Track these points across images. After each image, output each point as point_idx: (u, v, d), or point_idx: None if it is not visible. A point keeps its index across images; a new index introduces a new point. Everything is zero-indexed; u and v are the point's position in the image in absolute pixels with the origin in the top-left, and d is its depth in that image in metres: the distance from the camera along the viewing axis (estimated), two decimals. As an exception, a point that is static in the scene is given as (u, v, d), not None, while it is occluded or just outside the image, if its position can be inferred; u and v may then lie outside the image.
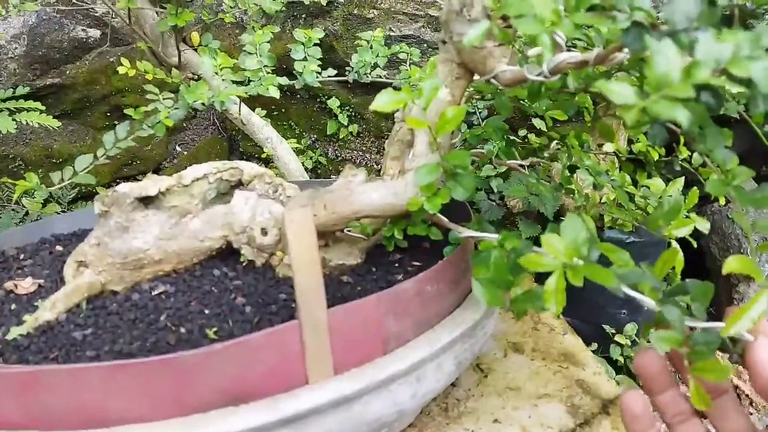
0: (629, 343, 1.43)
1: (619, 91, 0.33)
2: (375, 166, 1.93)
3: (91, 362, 0.50)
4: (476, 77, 0.60)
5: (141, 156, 2.09)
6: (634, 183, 0.83)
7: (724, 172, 0.44)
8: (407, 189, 0.57)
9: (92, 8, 1.88)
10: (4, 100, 1.18)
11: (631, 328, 1.45)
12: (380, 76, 1.06)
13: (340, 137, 1.97)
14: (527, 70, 0.50)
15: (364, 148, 1.96)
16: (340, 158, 1.99)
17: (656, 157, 0.75)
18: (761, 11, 0.42)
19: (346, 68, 1.08)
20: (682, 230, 0.65)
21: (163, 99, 0.86)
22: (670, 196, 0.74)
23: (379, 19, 1.76)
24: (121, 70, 1.29)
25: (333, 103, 1.92)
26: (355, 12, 1.78)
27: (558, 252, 0.39)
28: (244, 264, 0.66)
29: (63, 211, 1.93)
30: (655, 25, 0.38)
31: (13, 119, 1.05)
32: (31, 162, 1.92)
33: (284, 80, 0.92)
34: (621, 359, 1.45)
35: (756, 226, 0.41)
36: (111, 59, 1.92)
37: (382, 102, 0.47)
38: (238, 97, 0.87)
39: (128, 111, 0.83)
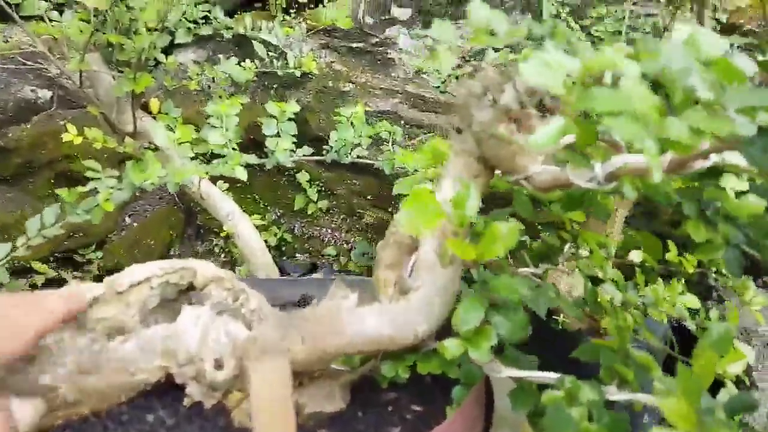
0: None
1: None
2: (345, 246, 1.80)
3: None
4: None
5: (84, 228, 1.90)
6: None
7: None
8: (408, 316, 0.44)
9: (45, 68, 1.75)
10: None
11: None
12: (359, 156, 0.95)
13: (308, 213, 1.84)
14: (572, 173, 0.39)
15: (333, 226, 1.83)
16: (307, 235, 1.85)
17: (690, 270, 0.65)
18: None
19: (323, 146, 0.96)
20: (735, 366, 0.53)
21: (105, 177, 0.72)
22: (708, 318, 0.63)
23: (354, 92, 1.68)
24: (66, 137, 1.14)
25: (302, 177, 1.80)
26: (330, 85, 1.70)
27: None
28: (188, 407, 0.50)
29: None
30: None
31: None
32: (-42, 231, 1.71)
33: (253, 158, 0.80)
34: None
35: None
36: (61, 122, 1.76)
37: (411, 216, 0.35)
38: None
39: (61, 192, 0.69)
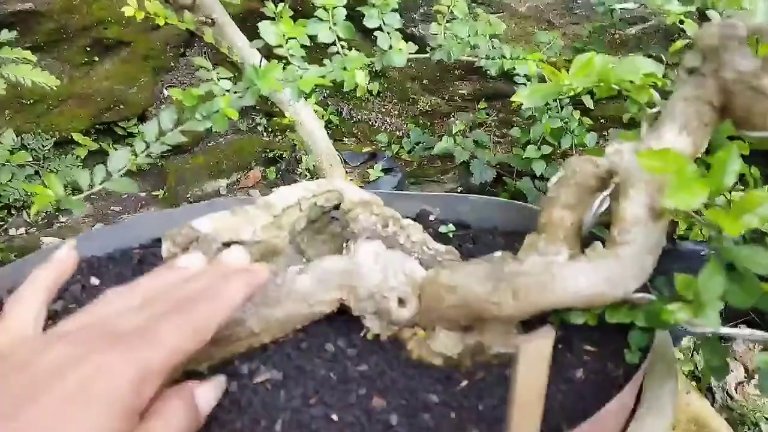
0: None
1: None
2: (396, 132, 1.74)
3: None
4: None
5: (124, 100, 1.83)
6: None
7: None
8: (622, 273, 0.42)
9: None
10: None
11: None
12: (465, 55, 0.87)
13: (357, 95, 1.76)
14: None
15: (383, 110, 1.76)
16: (355, 119, 1.79)
17: None
18: None
19: (427, 43, 0.88)
20: None
21: (218, 79, 0.66)
22: None
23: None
24: (127, 11, 1.05)
25: (351, 54, 1.69)
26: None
27: None
28: (362, 335, 0.51)
29: (35, 161, 1.67)
30: None
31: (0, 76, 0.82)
32: (-4, 102, 1.64)
33: (367, 62, 0.73)
34: None
35: None
36: (92, -18, 1.61)
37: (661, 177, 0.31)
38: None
39: (175, 93, 0.63)
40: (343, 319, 0.52)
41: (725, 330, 0.42)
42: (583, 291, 0.42)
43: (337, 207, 0.60)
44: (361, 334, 0.51)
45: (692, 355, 1.40)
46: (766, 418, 1.16)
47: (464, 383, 0.46)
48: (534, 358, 0.33)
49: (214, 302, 0.38)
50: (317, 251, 0.60)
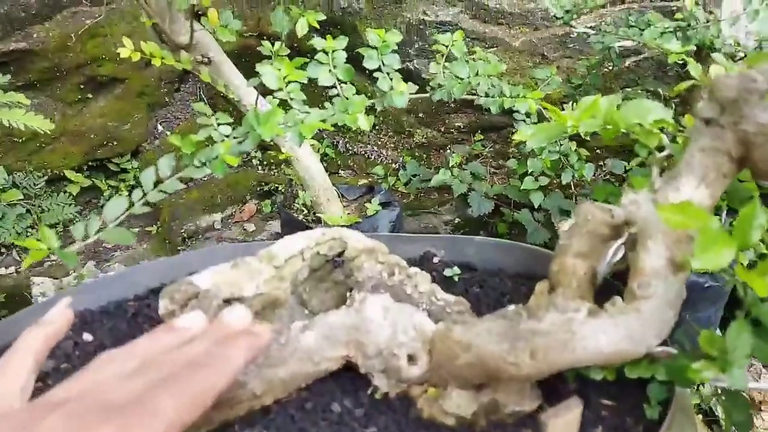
0: None
1: None
2: (392, 165, 1.74)
3: None
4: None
5: (117, 136, 1.82)
6: None
7: None
8: (643, 329, 0.41)
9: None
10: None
11: None
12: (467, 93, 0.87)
13: (353, 129, 1.76)
14: None
15: (379, 143, 1.76)
16: (351, 152, 1.78)
17: None
18: None
19: (422, 78, 0.88)
20: None
21: (218, 124, 0.65)
22: None
23: None
24: (123, 53, 1.04)
25: (348, 90, 1.70)
26: (384, -11, 1.56)
27: None
28: (369, 394, 0.49)
29: (26, 199, 1.64)
30: None
31: (-7, 121, 0.80)
32: (-12, 140, 1.62)
33: (368, 104, 0.72)
34: None
35: None
36: (87, 21, 1.62)
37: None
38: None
39: (175, 140, 0.62)
40: (349, 375, 0.50)
41: (753, 385, 0.41)
42: (604, 350, 0.40)
43: (340, 254, 0.58)
44: (369, 392, 0.49)
45: (698, 389, 1.38)
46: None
47: (479, 445, 0.43)
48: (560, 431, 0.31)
49: (214, 368, 0.36)
50: (320, 300, 0.58)
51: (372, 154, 1.76)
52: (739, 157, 0.40)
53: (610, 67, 1.26)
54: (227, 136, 0.64)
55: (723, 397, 0.45)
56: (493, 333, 0.41)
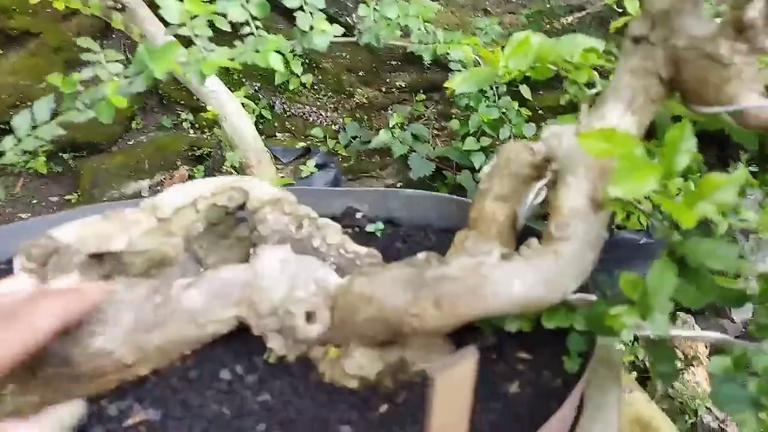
0: None
1: None
2: (332, 126, 1.66)
3: None
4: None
5: (31, 96, 1.66)
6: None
7: None
8: (561, 273, 0.37)
9: None
10: None
11: None
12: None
13: (290, 88, 1.67)
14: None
15: (318, 104, 1.67)
16: (288, 113, 1.69)
17: None
18: None
19: (353, 24, 0.81)
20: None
21: (106, 61, 0.57)
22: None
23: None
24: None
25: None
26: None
27: None
28: (266, 359, 0.43)
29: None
30: None
31: None
32: None
33: (286, 43, 0.65)
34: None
35: None
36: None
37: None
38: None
39: (53, 79, 0.54)
40: (243, 339, 0.44)
41: (675, 332, 0.38)
42: (517, 296, 0.36)
43: (242, 207, 0.52)
44: (264, 357, 0.43)
45: (632, 345, 1.39)
46: (706, 407, 1.16)
47: (384, 407, 0.39)
48: (452, 387, 0.27)
49: (9, 331, 0.31)
50: (221, 258, 0.52)
51: (311, 116, 1.68)
52: (668, 77, 0.36)
53: (551, 23, 1.23)
54: (117, 75, 0.56)
55: (647, 348, 0.42)
56: (398, 282, 0.36)
